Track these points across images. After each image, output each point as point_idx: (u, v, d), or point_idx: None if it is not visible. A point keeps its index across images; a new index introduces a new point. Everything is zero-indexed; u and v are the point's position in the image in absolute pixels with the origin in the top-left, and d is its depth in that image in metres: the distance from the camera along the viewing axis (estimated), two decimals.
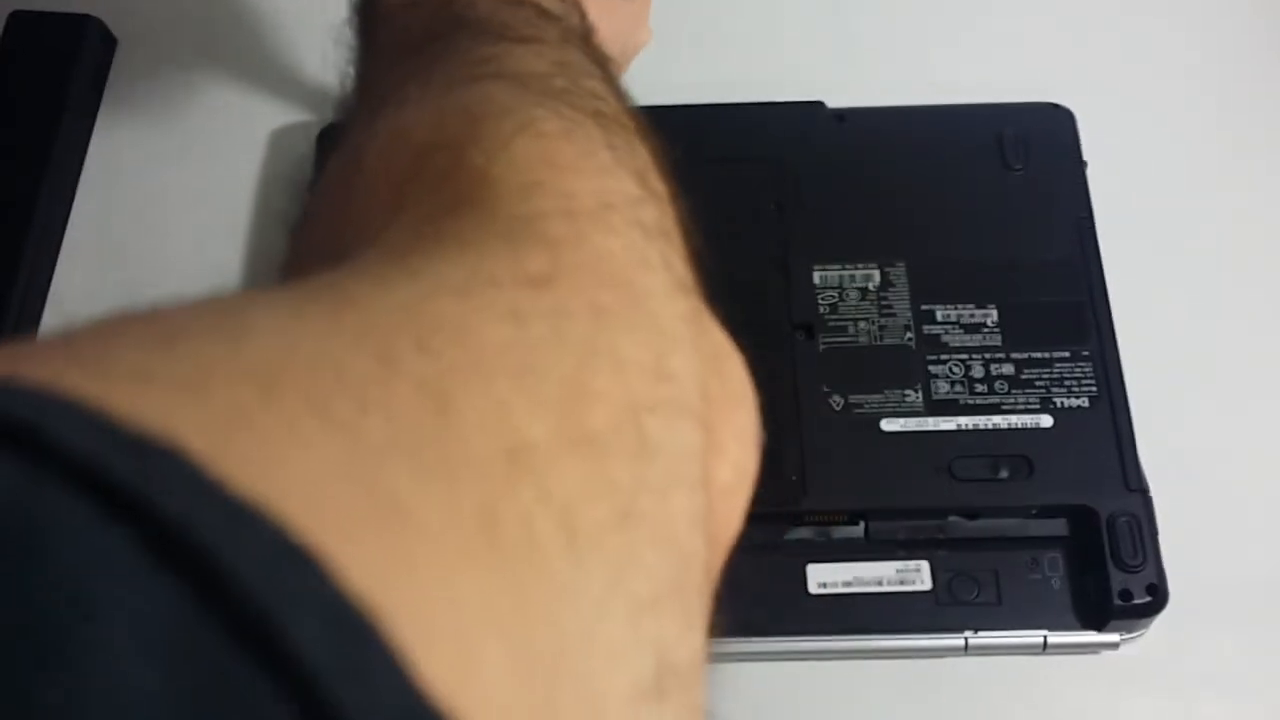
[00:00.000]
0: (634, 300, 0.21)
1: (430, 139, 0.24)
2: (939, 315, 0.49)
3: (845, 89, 0.54)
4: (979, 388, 0.48)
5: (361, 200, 0.24)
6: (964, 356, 0.48)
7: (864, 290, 0.50)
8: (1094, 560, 0.45)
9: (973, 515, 0.47)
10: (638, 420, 0.19)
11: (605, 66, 0.29)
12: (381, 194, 0.24)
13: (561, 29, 0.29)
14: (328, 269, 0.20)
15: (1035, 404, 0.48)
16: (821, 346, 0.49)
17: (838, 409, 0.48)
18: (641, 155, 0.25)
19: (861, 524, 0.47)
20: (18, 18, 0.59)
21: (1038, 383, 0.48)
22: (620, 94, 0.27)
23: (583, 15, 0.32)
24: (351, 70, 0.34)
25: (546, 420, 0.18)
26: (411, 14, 0.31)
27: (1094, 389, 0.48)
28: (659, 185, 0.25)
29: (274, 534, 0.13)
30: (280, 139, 0.57)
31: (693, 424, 0.21)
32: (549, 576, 0.17)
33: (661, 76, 0.50)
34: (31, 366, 0.14)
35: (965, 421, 0.47)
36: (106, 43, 0.60)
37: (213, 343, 0.16)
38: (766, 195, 0.52)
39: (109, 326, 0.17)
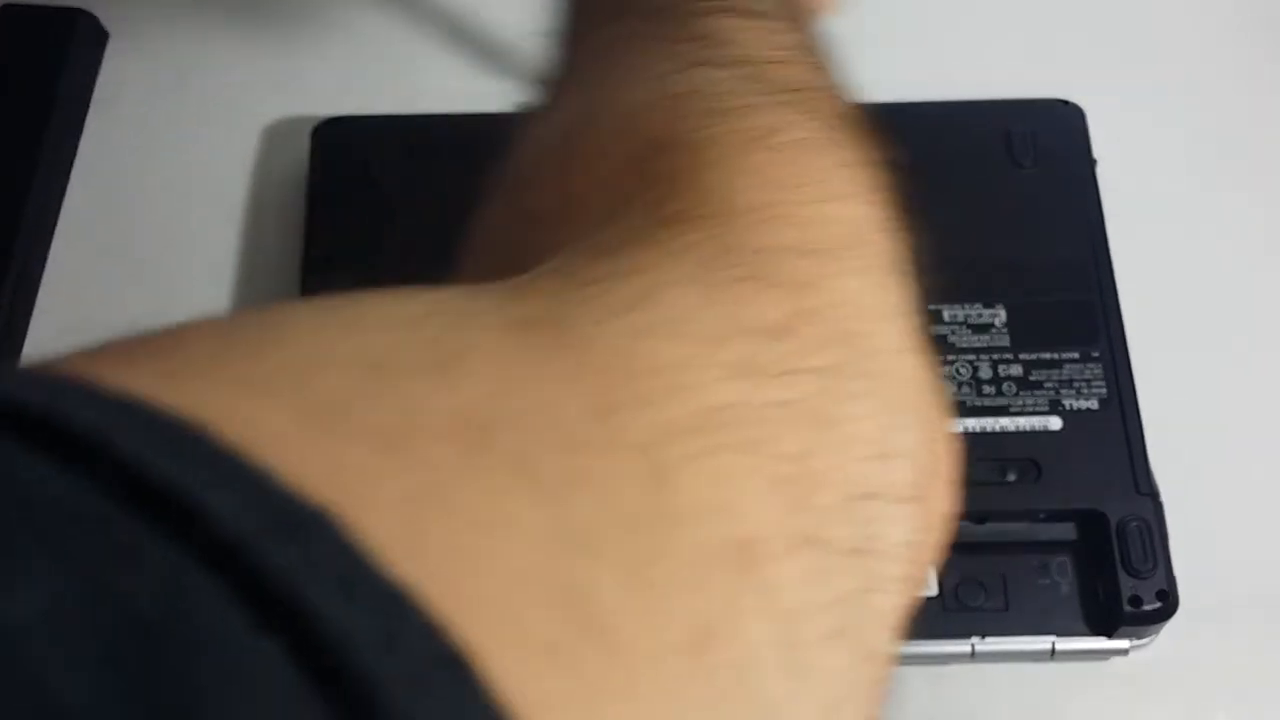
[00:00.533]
0: (868, 358, 0.19)
1: (660, 133, 0.22)
2: (946, 315, 0.48)
3: (850, 84, 0.53)
4: (986, 389, 0.47)
5: (578, 178, 0.22)
6: (971, 357, 0.48)
7: None
8: (1103, 565, 0.44)
9: (980, 519, 0.46)
10: (859, 512, 0.17)
11: (822, 43, 0.27)
12: (602, 178, 0.22)
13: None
14: (538, 249, 0.18)
15: (1044, 406, 0.47)
16: None
17: None
18: (874, 168, 0.23)
19: None
20: (7, 11, 0.58)
21: (1046, 384, 0.47)
22: (842, 80, 0.26)
23: None
24: (555, 13, 0.31)
25: (771, 508, 0.16)
26: None
27: (1104, 391, 0.47)
28: (892, 206, 0.23)
29: (466, 684, 0.11)
30: (275, 134, 0.56)
31: (909, 512, 0.19)
32: (764, 710, 0.15)
33: None
34: (197, 388, 0.12)
35: (972, 423, 0.47)
36: (98, 36, 0.59)
37: (422, 378, 0.14)
38: None
39: (281, 320, 0.15)
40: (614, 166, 0.22)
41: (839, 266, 0.20)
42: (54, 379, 0.12)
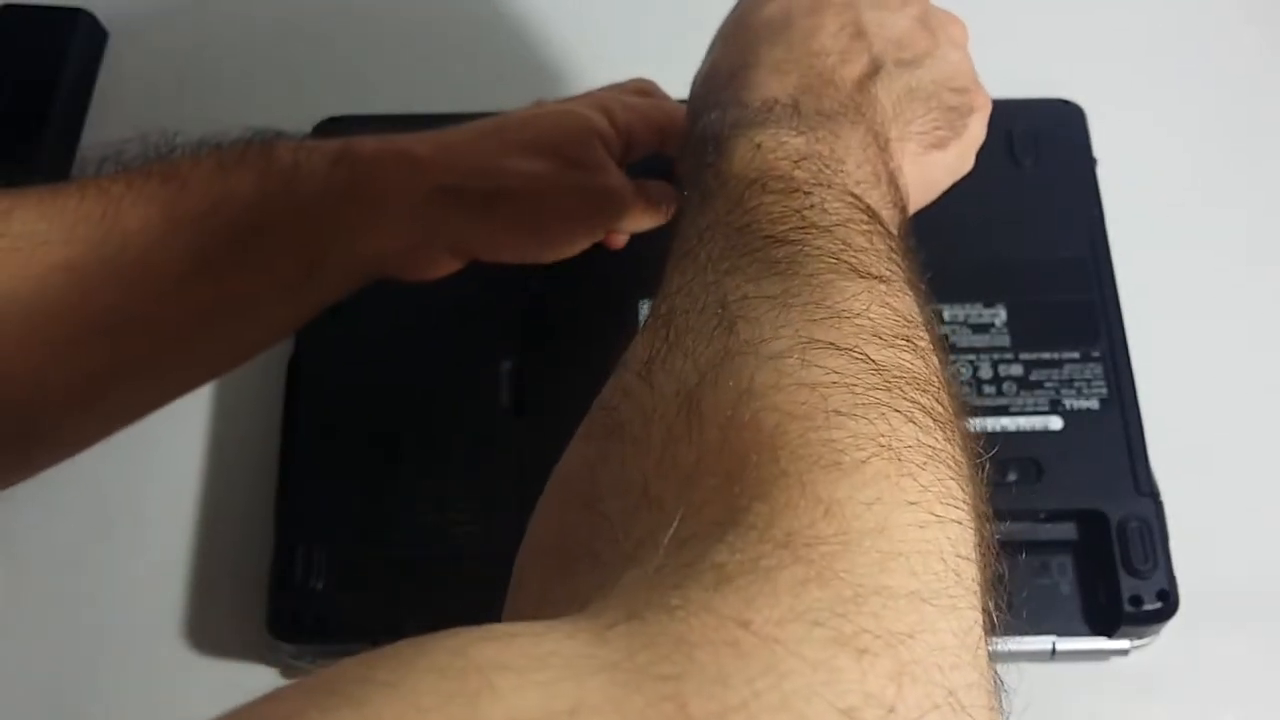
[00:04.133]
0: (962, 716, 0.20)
1: (779, 432, 0.22)
2: (946, 315, 0.48)
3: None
4: (987, 389, 0.47)
5: (690, 449, 0.23)
6: (972, 357, 0.48)
7: None
8: (1104, 565, 0.44)
9: None
10: None
11: (923, 294, 0.29)
12: (714, 458, 0.22)
13: (897, 250, 0.29)
14: (638, 529, 0.20)
15: (1044, 406, 0.47)
16: None
17: None
18: (968, 467, 0.24)
19: None
20: (8, 10, 0.58)
21: (1047, 384, 0.47)
22: (939, 342, 0.27)
23: (905, 210, 0.33)
24: (678, 213, 0.32)
25: None
26: (758, 196, 0.30)
27: (1104, 391, 0.47)
28: (982, 504, 0.24)
29: None
30: None
31: None
32: None
33: (666, 70, 0.49)
34: None
35: (973, 423, 0.46)
36: (97, 36, 0.59)
37: None
38: None
39: None
40: (729, 455, 0.22)
41: (937, 609, 0.21)
42: None
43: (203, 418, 0.51)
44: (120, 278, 0.35)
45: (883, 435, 0.22)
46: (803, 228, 0.28)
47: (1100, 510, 0.45)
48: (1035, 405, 0.47)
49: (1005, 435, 0.46)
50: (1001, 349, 0.48)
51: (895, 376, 0.24)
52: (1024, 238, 0.50)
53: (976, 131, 0.40)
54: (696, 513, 0.22)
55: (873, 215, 0.30)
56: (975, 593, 0.22)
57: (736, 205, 0.30)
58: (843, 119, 0.34)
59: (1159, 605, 0.44)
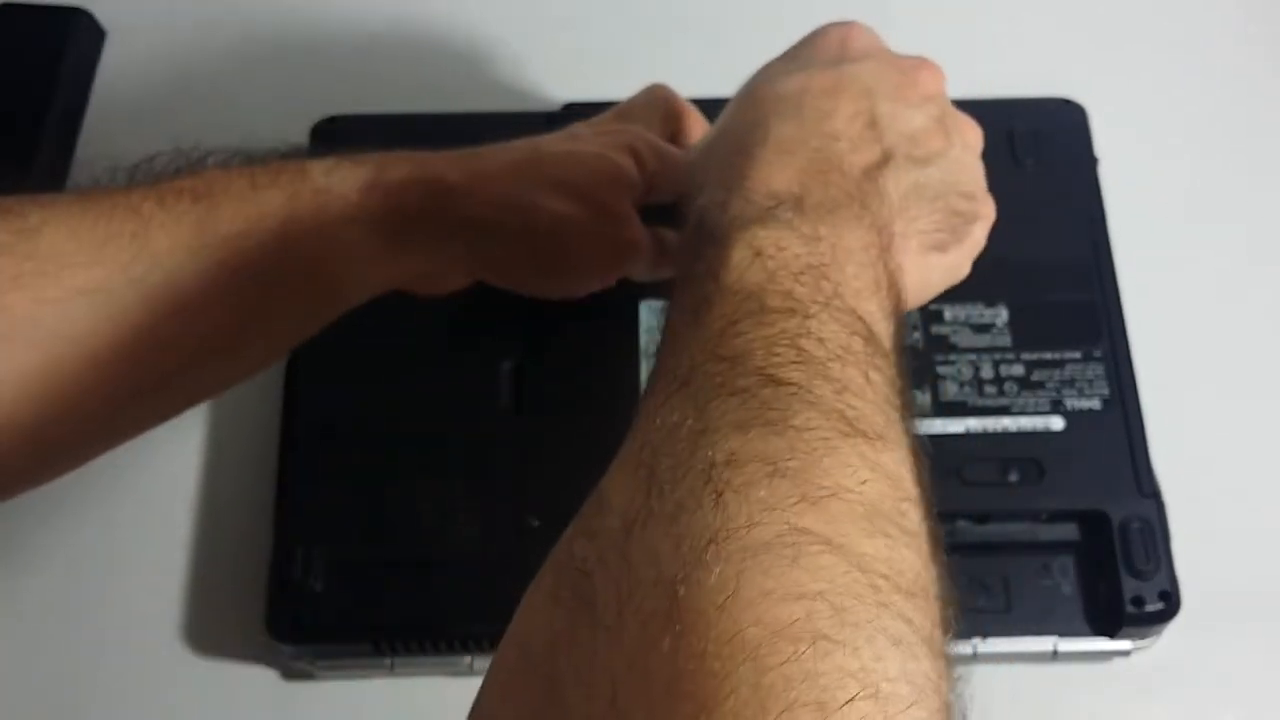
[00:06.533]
0: None
1: (763, 660, 0.21)
2: (947, 315, 0.48)
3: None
4: (988, 389, 0.47)
5: (664, 667, 0.21)
6: (973, 357, 0.48)
7: None
8: (1106, 566, 0.44)
9: (981, 519, 0.46)
10: None
11: (910, 404, 0.28)
12: (690, 683, 0.21)
13: (891, 382, 0.28)
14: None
15: (1046, 406, 0.47)
16: None
17: None
18: (949, 678, 0.23)
19: None
20: (5, 10, 0.58)
21: (1048, 384, 0.47)
22: (925, 477, 0.27)
23: (901, 316, 0.32)
24: (658, 349, 0.31)
25: None
26: (754, 317, 0.28)
27: (1106, 391, 0.47)
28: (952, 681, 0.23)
29: None
30: (274, 132, 0.56)
31: None
32: None
33: (667, 73, 0.49)
34: None
35: (974, 424, 0.46)
36: (95, 35, 0.59)
37: None
38: None
39: None
40: (708, 674, 0.21)
41: None
42: None
43: (202, 418, 0.50)
44: (146, 299, 0.35)
45: (866, 671, 0.21)
46: (798, 362, 0.27)
47: (1102, 511, 0.45)
48: (1037, 405, 0.47)
49: (1006, 435, 0.46)
50: (1003, 349, 0.48)
51: (886, 586, 0.23)
52: (1025, 238, 0.50)
53: (978, 239, 0.40)
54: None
55: (870, 337, 0.29)
56: None
57: (731, 327, 0.29)
58: (847, 213, 0.33)
59: (1161, 606, 0.43)
